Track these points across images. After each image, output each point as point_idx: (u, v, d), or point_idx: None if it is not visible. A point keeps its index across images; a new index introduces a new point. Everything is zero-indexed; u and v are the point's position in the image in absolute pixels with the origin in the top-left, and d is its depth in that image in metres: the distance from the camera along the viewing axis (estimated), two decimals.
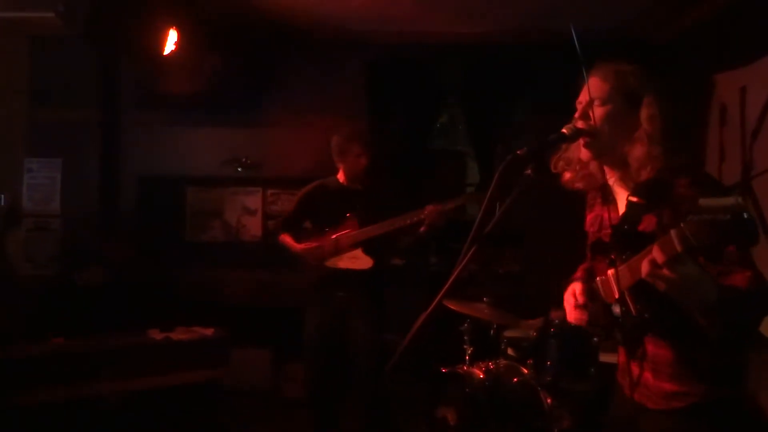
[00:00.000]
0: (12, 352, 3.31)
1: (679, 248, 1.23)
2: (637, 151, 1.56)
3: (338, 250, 3.37)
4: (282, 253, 3.56)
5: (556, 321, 2.76)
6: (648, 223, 1.51)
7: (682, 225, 1.21)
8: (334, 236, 3.37)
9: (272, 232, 3.67)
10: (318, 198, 3.50)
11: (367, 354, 3.28)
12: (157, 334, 3.72)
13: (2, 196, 4.73)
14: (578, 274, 1.89)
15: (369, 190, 3.48)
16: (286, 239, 3.51)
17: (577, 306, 1.72)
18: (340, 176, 3.50)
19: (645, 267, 1.32)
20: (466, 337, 3.21)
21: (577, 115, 1.66)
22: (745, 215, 1.14)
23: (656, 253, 1.29)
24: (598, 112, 1.61)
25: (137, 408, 3.48)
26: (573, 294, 1.74)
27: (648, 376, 1.60)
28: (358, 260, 3.37)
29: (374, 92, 5.13)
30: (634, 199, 1.56)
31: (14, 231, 4.78)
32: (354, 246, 3.36)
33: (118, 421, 3.41)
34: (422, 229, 3.23)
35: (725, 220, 1.14)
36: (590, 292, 1.71)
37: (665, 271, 1.28)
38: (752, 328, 1.48)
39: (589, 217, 1.83)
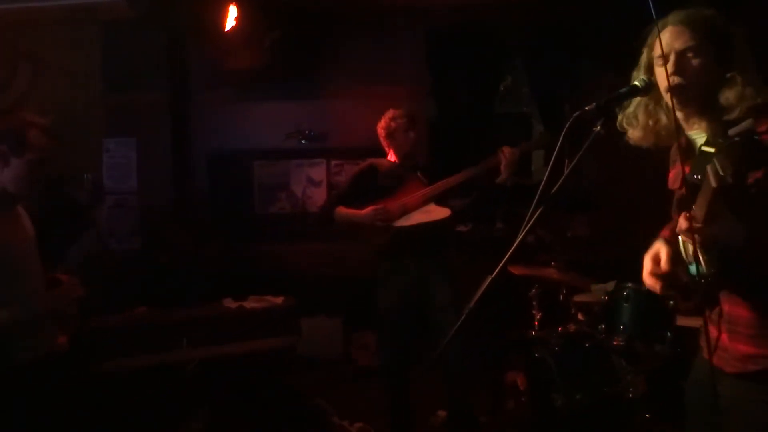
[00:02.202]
0: (99, 322, 3.52)
1: (714, 184, 1.20)
2: (727, 93, 1.45)
3: (407, 210, 3.28)
4: (337, 229, 3.45)
5: (629, 284, 2.68)
6: None
7: (714, 160, 1.19)
8: (401, 199, 3.29)
9: (321, 214, 3.53)
10: (373, 177, 3.41)
11: (448, 318, 3.16)
12: (231, 303, 3.86)
13: (86, 175, 4.98)
14: (665, 233, 1.75)
15: (423, 165, 3.44)
16: (343, 210, 3.38)
17: (654, 273, 1.55)
18: (392, 157, 3.44)
19: (682, 222, 1.30)
20: (534, 303, 3.17)
21: (670, 69, 1.51)
22: (755, 136, 1.13)
23: (696, 207, 1.28)
24: (694, 63, 1.49)
25: (215, 375, 3.64)
26: (653, 259, 1.57)
27: (725, 337, 1.52)
28: (432, 213, 3.27)
29: (436, 58, 5.05)
30: (706, 148, 1.47)
31: (99, 208, 5.05)
32: (425, 202, 3.28)
33: (198, 387, 3.58)
34: (501, 176, 3.17)
35: (736, 143, 1.14)
36: (675, 255, 1.56)
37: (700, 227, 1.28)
38: None
39: (671, 174, 1.72)
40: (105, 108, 5.17)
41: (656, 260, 1.55)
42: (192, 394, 3.55)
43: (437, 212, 3.26)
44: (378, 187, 3.38)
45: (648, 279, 1.58)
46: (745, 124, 1.15)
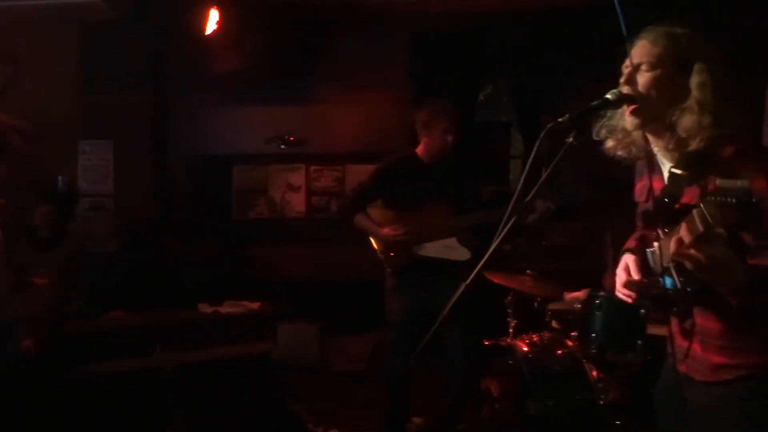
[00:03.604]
0: (73, 326, 3.47)
1: (701, 228, 1.21)
2: (686, 121, 1.48)
3: (428, 238, 3.24)
4: (346, 231, 3.42)
5: (602, 293, 2.72)
6: (691, 196, 1.45)
7: (701, 205, 1.19)
8: (424, 222, 3.24)
9: (342, 212, 3.48)
10: (397, 176, 3.31)
11: (461, 344, 3.19)
12: (206, 308, 3.83)
13: (60, 177, 4.92)
14: (632, 243, 1.82)
15: (451, 170, 3.32)
16: (364, 222, 3.32)
17: (628, 283, 1.63)
18: (421, 151, 3.33)
19: (673, 245, 1.30)
20: (509, 310, 3.19)
21: (622, 80, 1.58)
22: (753, 200, 1.12)
23: (683, 232, 1.27)
24: (645, 77, 1.53)
25: (191, 379, 3.61)
26: (626, 269, 1.65)
27: (696, 348, 1.56)
28: (453, 250, 3.23)
29: (418, 66, 5.07)
30: (675, 170, 1.51)
31: (73, 211, 4.98)
32: (449, 235, 3.25)
33: (173, 391, 3.54)
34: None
35: (731, 203, 1.13)
36: (644, 264, 1.63)
37: (692, 251, 1.27)
38: None
39: (638, 187, 1.77)
40: (82, 109, 5.12)
41: (627, 271, 1.64)
42: (167, 399, 3.52)
43: (458, 253, 3.24)
44: (405, 187, 3.30)
45: (621, 290, 1.65)
46: (740, 182, 1.15)
